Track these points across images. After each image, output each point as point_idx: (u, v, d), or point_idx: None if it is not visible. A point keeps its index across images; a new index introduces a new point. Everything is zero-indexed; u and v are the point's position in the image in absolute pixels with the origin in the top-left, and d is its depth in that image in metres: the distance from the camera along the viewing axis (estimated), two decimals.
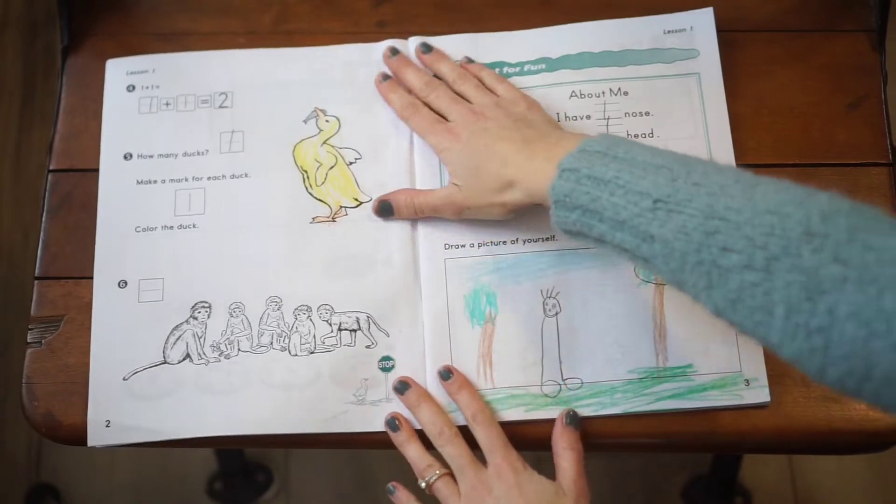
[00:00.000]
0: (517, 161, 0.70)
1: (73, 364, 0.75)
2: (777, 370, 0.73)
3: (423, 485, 0.71)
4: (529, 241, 0.77)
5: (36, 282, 0.78)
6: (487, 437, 0.71)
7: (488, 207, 0.73)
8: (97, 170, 0.81)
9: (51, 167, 0.82)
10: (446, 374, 0.73)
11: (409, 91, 0.80)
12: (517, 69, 0.82)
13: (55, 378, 0.75)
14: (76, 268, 0.78)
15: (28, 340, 0.76)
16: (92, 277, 0.77)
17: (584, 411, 0.72)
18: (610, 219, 0.62)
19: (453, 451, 0.71)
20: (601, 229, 0.63)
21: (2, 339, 1.42)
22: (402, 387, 0.73)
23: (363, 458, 1.35)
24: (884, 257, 0.51)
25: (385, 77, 0.81)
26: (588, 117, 0.80)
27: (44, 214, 0.80)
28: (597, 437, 0.72)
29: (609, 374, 0.73)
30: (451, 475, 0.71)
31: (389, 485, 0.74)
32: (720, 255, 0.56)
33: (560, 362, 0.74)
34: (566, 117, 0.80)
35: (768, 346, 0.56)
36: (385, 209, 0.77)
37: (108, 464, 1.36)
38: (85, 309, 0.77)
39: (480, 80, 0.79)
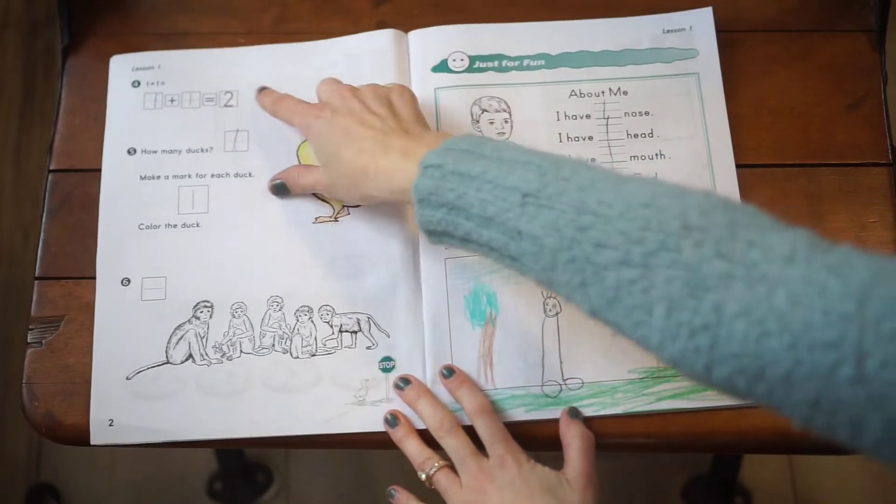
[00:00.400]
0: (373, 151, 0.69)
1: (74, 364, 0.75)
2: None
3: (423, 476, 0.71)
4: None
5: (36, 282, 0.78)
6: (489, 429, 0.71)
7: (347, 196, 0.73)
8: (97, 170, 0.81)
9: (51, 167, 0.81)
10: (448, 372, 0.73)
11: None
12: (516, 63, 0.82)
13: (55, 378, 0.75)
14: (76, 268, 0.78)
15: (28, 340, 0.76)
16: (92, 277, 0.77)
17: (586, 411, 0.72)
18: (477, 216, 0.60)
19: (454, 442, 0.71)
20: (468, 227, 0.61)
21: (2, 339, 1.42)
22: (403, 383, 0.73)
23: (363, 459, 1.35)
24: (769, 255, 0.49)
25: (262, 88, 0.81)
26: (588, 116, 0.80)
27: (44, 214, 0.80)
28: (598, 437, 0.72)
29: (610, 374, 0.73)
30: (451, 467, 0.71)
31: (390, 489, 0.73)
32: (594, 251, 0.54)
33: (561, 362, 0.74)
34: (565, 116, 0.80)
35: (648, 348, 0.54)
36: (279, 188, 0.78)
37: (108, 464, 1.36)
38: (85, 309, 0.77)
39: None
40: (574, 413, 0.72)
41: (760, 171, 0.78)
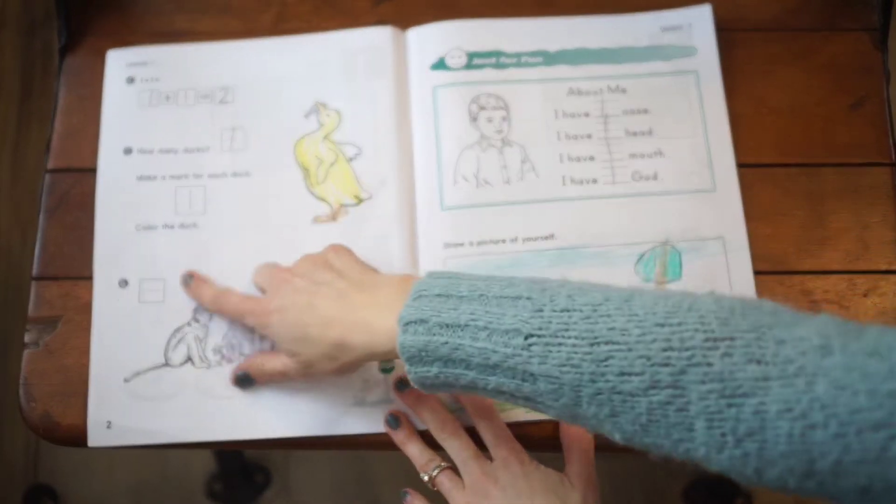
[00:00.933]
0: (339, 320, 0.65)
1: (71, 365, 0.75)
2: None
3: (426, 478, 0.71)
4: (529, 239, 0.76)
5: (33, 282, 0.78)
6: (492, 430, 0.70)
7: (324, 371, 0.68)
8: (95, 169, 0.80)
9: (48, 167, 0.81)
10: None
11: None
12: (514, 60, 0.82)
13: (53, 379, 0.75)
14: (74, 268, 0.78)
15: (25, 341, 0.76)
16: (90, 278, 0.77)
17: None
18: (479, 365, 0.58)
19: (456, 444, 0.70)
20: (471, 377, 0.59)
21: None
22: (402, 385, 0.73)
23: (363, 459, 1.34)
24: (802, 349, 0.49)
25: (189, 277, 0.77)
26: (587, 114, 0.80)
27: (41, 214, 0.80)
28: (597, 438, 0.72)
29: None
30: (454, 469, 0.70)
31: (403, 491, 0.73)
32: (619, 380, 0.53)
33: None
34: (564, 114, 0.80)
35: (693, 461, 0.53)
36: (243, 380, 0.73)
37: (106, 465, 1.35)
38: (83, 309, 0.76)
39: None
40: None
41: (762, 170, 0.78)
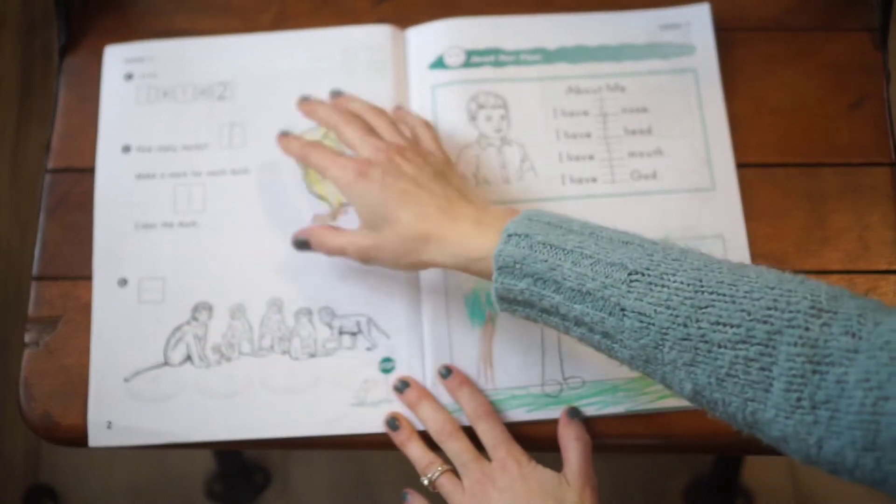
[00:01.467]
0: (438, 219, 0.66)
1: (71, 365, 0.75)
2: None
3: (426, 482, 0.71)
4: None
5: (33, 282, 0.78)
6: (490, 432, 0.70)
7: (394, 262, 0.69)
8: (95, 169, 0.80)
9: (48, 167, 0.81)
10: (446, 372, 0.73)
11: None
12: (513, 58, 0.82)
13: (53, 379, 0.75)
14: (74, 268, 0.78)
15: (25, 341, 0.76)
16: (90, 278, 0.77)
17: (587, 410, 0.72)
18: (570, 289, 0.59)
19: (456, 446, 0.70)
20: (556, 300, 0.60)
21: None
22: (402, 385, 0.73)
23: (363, 459, 1.34)
24: None
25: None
26: (585, 113, 0.80)
27: (41, 214, 0.80)
28: (598, 437, 0.72)
29: (611, 372, 0.73)
30: (454, 471, 0.71)
31: (404, 491, 0.73)
32: (711, 329, 0.54)
33: (561, 361, 0.73)
34: (563, 113, 0.80)
35: (749, 424, 0.54)
36: (301, 244, 0.74)
37: (106, 465, 1.35)
38: (83, 309, 0.76)
39: (402, 122, 0.76)
40: (573, 413, 0.72)
41: (762, 170, 0.78)
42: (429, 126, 0.76)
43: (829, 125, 0.80)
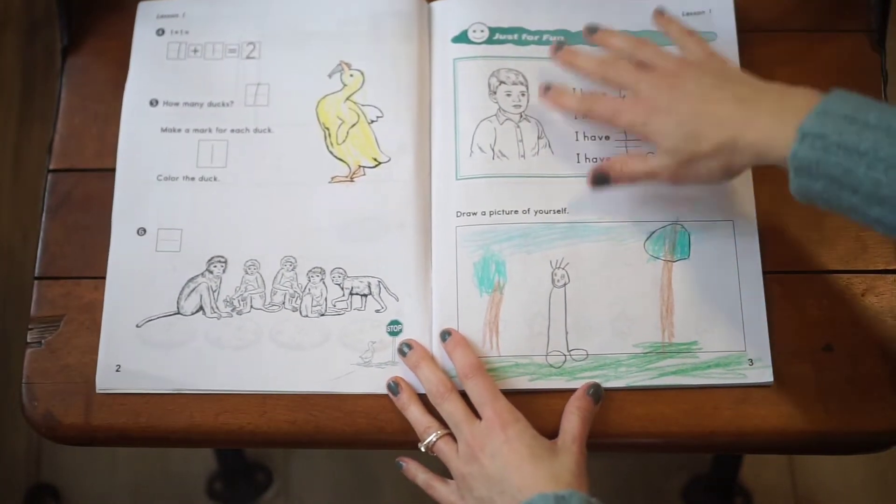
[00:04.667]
0: (736, 120, 0.65)
1: (73, 364, 0.75)
2: (779, 375, 0.73)
3: (423, 448, 0.71)
4: (541, 212, 0.77)
5: (35, 282, 0.78)
6: (476, 389, 0.70)
7: (707, 174, 0.69)
8: (97, 169, 0.81)
9: (50, 167, 0.81)
10: (446, 335, 0.73)
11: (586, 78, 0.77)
12: (536, 38, 0.82)
13: (55, 378, 0.75)
14: (75, 268, 0.78)
15: (28, 340, 0.76)
16: (92, 277, 0.77)
17: (584, 382, 0.73)
18: (867, 193, 0.59)
19: (449, 407, 0.70)
20: (853, 202, 0.60)
21: (1, 339, 1.42)
22: (406, 348, 0.73)
23: (363, 459, 1.35)
24: None
25: (547, 88, 0.79)
26: (604, 94, 0.80)
27: (43, 214, 0.80)
28: (598, 437, 0.72)
29: (615, 347, 0.73)
30: (452, 435, 0.70)
31: (397, 460, 0.73)
32: None
33: (566, 333, 0.74)
34: (582, 93, 0.80)
35: None
36: (601, 179, 0.74)
37: (107, 464, 1.36)
38: (85, 309, 0.77)
39: (669, 36, 0.75)
40: (595, 391, 0.72)
41: (761, 170, 0.78)
42: (693, 36, 0.75)
43: None
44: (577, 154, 0.79)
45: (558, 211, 0.77)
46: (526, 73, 0.81)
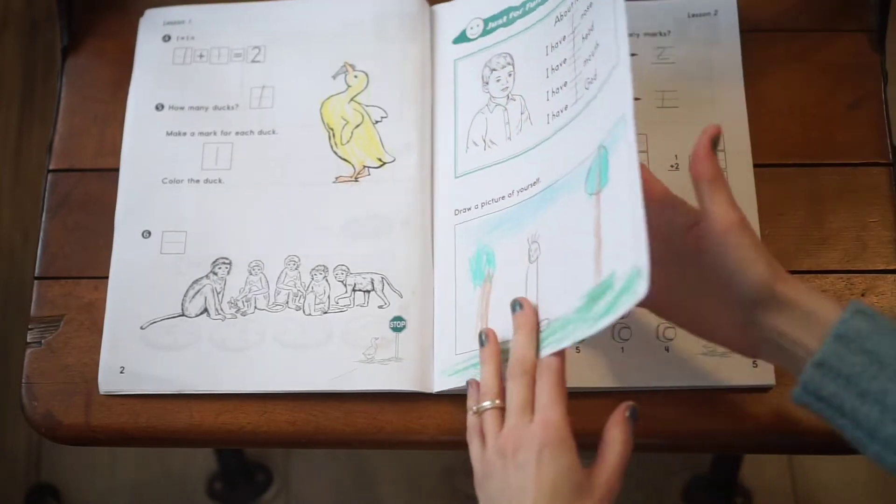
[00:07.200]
0: None
1: (73, 364, 0.75)
2: (780, 375, 0.73)
3: (474, 410, 0.66)
4: (521, 190, 0.74)
5: (35, 282, 0.78)
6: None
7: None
8: (97, 169, 0.81)
9: (50, 167, 0.82)
10: (517, 306, 0.68)
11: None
12: (521, 11, 0.80)
13: (55, 378, 0.75)
14: (76, 268, 0.78)
15: (28, 340, 0.76)
16: (92, 277, 0.78)
17: (545, 352, 0.66)
18: (867, 433, 0.59)
19: (515, 388, 0.64)
20: (849, 430, 0.60)
21: (1, 339, 1.42)
22: (517, 306, 0.68)
23: (363, 459, 1.35)
24: None
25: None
26: (565, 62, 0.78)
27: (43, 214, 0.80)
28: (597, 436, 0.72)
29: (565, 306, 0.66)
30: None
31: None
32: None
33: (537, 306, 0.69)
34: (551, 48, 0.77)
35: None
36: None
37: (108, 464, 1.36)
38: (85, 309, 0.77)
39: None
40: (634, 414, 0.64)
41: (761, 171, 0.78)
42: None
43: (827, 126, 0.80)
44: (548, 114, 0.75)
45: (533, 183, 0.73)
46: (512, 51, 0.79)
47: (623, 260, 0.61)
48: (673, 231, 0.65)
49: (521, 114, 0.77)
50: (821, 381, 0.59)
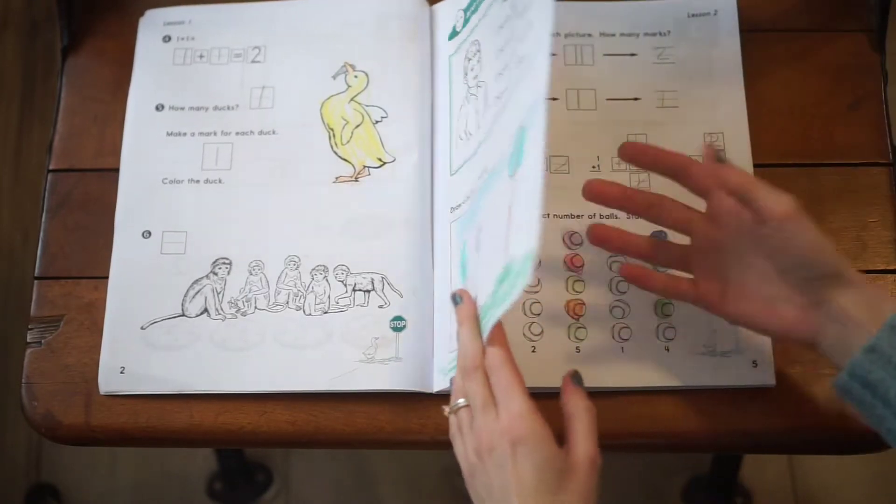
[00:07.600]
0: None
1: (73, 364, 0.75)
2: (780, 376, 0.73)
3: (447, 411, 0.64)
4: (478, 179, 0.72)
5: (35, 282, 0.78)
6: (493, 381, 0.62)
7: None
8: (97, 169, 0.81)
9: (50, 167, 0.82)
10: (458, 299, 0.67)
11: None
12: None
13: (55, 378, 0.75)
14: (76, 268, 0.78)
15: (28, 340, 0.76)
16: (92, 277, 0.78)
17: (488, 326, 0.63)
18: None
19: (473, 387, 0.62)
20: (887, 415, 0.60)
21: (1, 339, 1.42)
22: (457, 298, 0.67)
23: (363, 459, 1.35)
24: None
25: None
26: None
27: (43, 214, 0.80)
28: (602, 437, 0.72)
29: (489, 288, 0.64)
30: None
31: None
32: None
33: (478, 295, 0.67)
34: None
35: None
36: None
37: (108, 464, 1.36)
38: (85, 309, 0.77)
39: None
40: (577, 378, 0.64)
41: (761, 171, 0.78)
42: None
43: (827, 126, 0.80)
44: (495, 98, 0.72)
45: (484, 172, 0.71)
46: (480, 38, 0.77)
47: (521, 244, 0.59)
48: (742, 224, 0.67)
49: (485, 101, 0.75)
50: (870, 367, 0.60)
